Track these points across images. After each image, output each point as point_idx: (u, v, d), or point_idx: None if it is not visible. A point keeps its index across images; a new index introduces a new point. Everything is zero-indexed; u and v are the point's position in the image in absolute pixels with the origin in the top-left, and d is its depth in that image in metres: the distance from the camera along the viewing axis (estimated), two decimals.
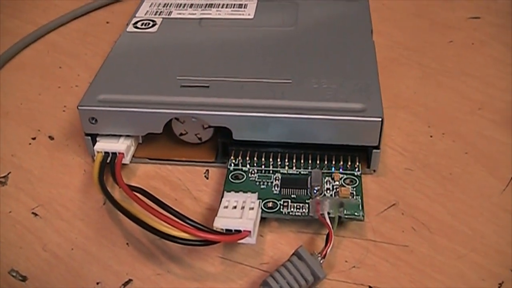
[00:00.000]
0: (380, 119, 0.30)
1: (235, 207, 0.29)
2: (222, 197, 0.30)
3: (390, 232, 0.30)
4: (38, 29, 0.47)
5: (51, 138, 0.37)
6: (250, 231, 0.27)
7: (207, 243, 0.27)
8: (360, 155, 0.32)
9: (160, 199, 0.29)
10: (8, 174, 0.34)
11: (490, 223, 0.30)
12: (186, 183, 0.33)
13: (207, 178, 0.33)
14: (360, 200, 0.30)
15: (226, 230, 0.27)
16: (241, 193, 0.30)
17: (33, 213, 0.32)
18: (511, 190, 0.32)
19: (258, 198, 0.30)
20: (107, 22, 0.49)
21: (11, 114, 0.39)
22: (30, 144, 0.36)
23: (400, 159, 0.34)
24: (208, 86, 0.33)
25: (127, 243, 0.30)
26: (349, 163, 0.32)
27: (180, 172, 0.34)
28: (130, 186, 0.30)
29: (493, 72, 0.41)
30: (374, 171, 0.33)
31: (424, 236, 0.29)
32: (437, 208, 0.31)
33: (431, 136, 0.35)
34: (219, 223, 0.27)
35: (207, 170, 0.34)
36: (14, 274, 0.29)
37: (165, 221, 0.27)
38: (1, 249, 0.30)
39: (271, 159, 0.32)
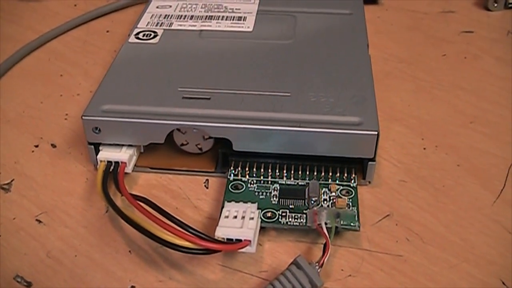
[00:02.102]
0: (376, 133, 0.31)
1: (235, 217, 0.29)
2: (223, 206, 0.30)
3: (385, 242, 0.31)
4: (39, 37, 0.48)
5: (53, 146, 0.37)
6: (250, 241, 0.28)
7: (208, 251, 0.28)
8: (356, 167, 0.33)
9: (163, 208, 0.30)
10: (11, 181, 0.35)
11: (481, 234, 0.31)
12: (186, 192, 0.34)
13: (207, 187, 0.34)
14: (356, 211, 0.31)
15: (227, 239, 0.28)
16: (241, 203, 0.31)
17: (37, 219, 0.32)
18: (501, 202, 0.33)
19: (258, 208, 0.30)
20: (107, 31, 0.49)
21: (13, 121, 0.39)
22: (33, 151, 0.37)
23: (395, 171, 0.35)
24: (209, 98, 0.34)
25: (130, 251, 0.30)
26: (345, 175, 0.33)
27: (181, 181, 0.34)
28: (133, 195, 0.30)
29: (485, 86, 0.41)
30: (369, 182, 0.33)
31: (417, 246, 0.30)
32: (430, 219, 0.32)
33: (424, 149, 0.36)
34: (221, 233, 0.28)
35: (207, 180, 0.34)
36: (19, 279, 0.29)
37: (169, 230, 0.28)
38: (5, 255, 0.30)
39: (270, 170, 0.33)
